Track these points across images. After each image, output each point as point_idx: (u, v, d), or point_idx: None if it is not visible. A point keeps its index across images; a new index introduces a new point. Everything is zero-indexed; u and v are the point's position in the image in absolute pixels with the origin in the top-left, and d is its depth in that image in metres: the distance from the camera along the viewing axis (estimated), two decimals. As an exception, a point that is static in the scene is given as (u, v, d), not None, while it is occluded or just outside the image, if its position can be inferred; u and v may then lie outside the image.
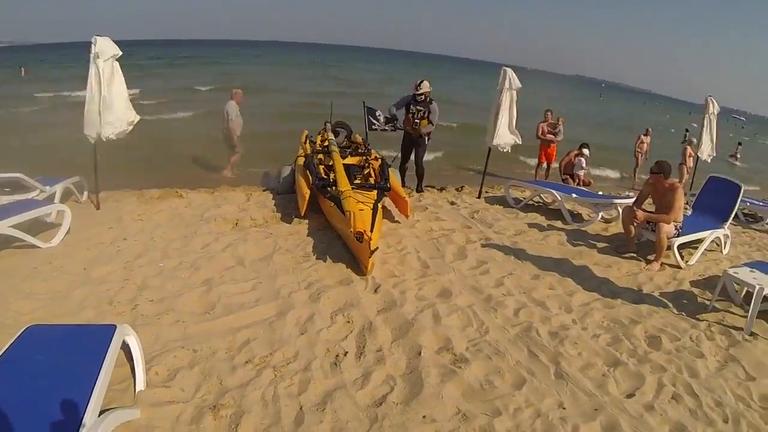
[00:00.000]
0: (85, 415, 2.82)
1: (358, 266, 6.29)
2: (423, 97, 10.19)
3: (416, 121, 10.19)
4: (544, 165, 14.27)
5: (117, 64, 7.76)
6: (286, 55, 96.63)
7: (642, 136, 17.37)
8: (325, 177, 8.35)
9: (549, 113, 14.37)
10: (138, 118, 8.21)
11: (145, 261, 6.15)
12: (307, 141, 11.02)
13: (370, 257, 6.05)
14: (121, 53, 7.72)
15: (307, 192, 7.96)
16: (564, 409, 3.95)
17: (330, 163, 9.06)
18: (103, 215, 7.88)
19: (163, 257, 6.30)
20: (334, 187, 7.73)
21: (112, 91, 7.72)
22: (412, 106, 10.27)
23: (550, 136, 13.87)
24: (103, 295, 5.26)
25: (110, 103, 7.70)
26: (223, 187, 10.05)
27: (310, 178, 8.29)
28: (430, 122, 10.25)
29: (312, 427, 3.55)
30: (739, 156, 24.99)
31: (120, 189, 9.34)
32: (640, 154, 17.28)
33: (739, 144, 24.20)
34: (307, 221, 7.89)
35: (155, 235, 7.04)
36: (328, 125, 11.51)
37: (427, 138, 10.48)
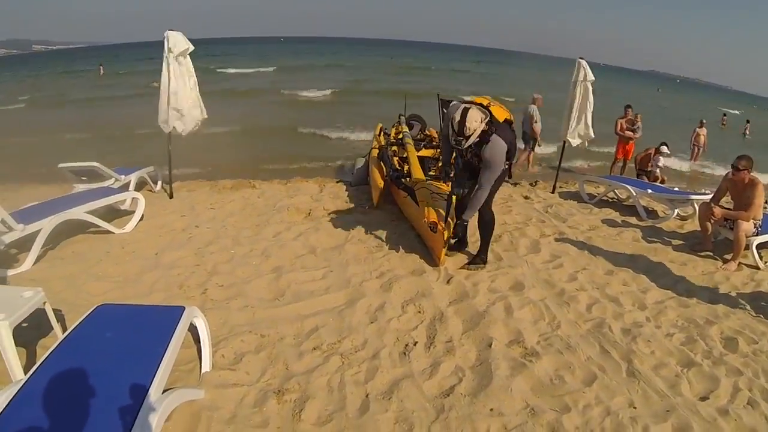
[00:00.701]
0: (148, 392, 2.87)
1: (431, 257, 6.22)
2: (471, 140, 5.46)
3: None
4: (620, 162, 13.84)
5: (188, 59, 7.86)
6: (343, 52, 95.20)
7: (697, 129, 17.14)
8: (399, 168, 8.36)
9: (629, 109, 13.93)
10: (205, 116, 8.37)
11: (216, 248, 6.24)
12: (382, 133, 11.07)
13: (443, 248, 5.97)
14: (193, 48, 7.81)
15: (381, 183, 8.09)
16: (635, 408, 3.84)
17: (404, 155, 9.03)
18: (176, 204, 8.05)
19: (234, 244, 6.37)
20: (408, 179, 7.86)
21: (184, 86, 7.88)
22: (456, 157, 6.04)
23: (629, 133, 13.45)
24: (173, 280, 5.36)
25: (181, 98, 7.87)
26: (297, 178, 10.14)
27: (385, 169, 8.32)
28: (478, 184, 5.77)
29: (377, 415, 3.52)
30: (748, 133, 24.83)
31: (194, 179, 9.51)
32: (696, 147, 17.11)
33: (747, 122, 24.26)
34: (380, 212, 7.87)
35: (227, 223, 7.15)
36: (403, 118, 11.47)
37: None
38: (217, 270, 5.62)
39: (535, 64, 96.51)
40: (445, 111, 9.70)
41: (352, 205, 8.27)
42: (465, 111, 5.30)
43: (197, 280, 5.38)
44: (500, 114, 5.66)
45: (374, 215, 7.74)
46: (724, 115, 34.06)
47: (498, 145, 5.49)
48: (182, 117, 7.93)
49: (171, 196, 8.35)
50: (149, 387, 2.89)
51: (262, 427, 3.34)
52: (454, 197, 6.24)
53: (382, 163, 8.69)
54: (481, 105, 5.55)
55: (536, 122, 12.79)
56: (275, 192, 8.90)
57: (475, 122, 5.33)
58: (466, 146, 5.43)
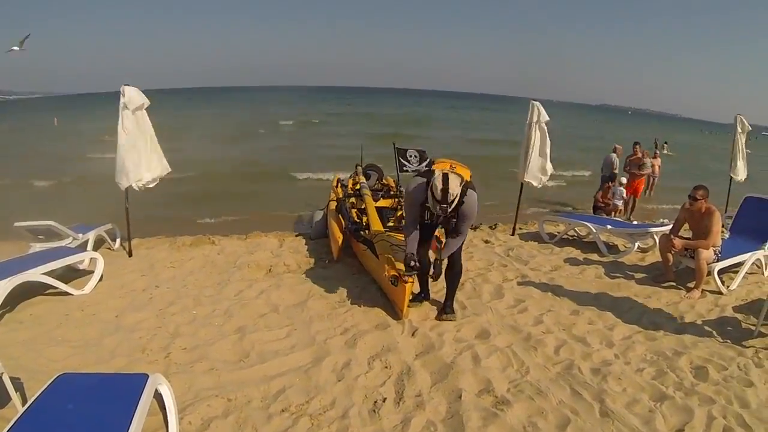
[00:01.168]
0: None
1: (394, 310, 6.20)
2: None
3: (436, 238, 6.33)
4: (629, 198, 14.30)
5: (145, 113, 7.88)
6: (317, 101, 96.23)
7: (651, 159, 17.11)
8: (358, 221, 8.51)
9: (637, 146, 14.46)
10: (168, 170, 8.33)
11: (177, 308, 6.15)
12: (339, 185, 11.06)
13: (406, 301, 5.94)
14: (149, 103, 7.82)
15: (340, 236, 8.05)
16: None
17: (362, 207, 9.04)
18: (136, 262, 7.93)
19: (196, 304, 6.29)
20: (366, 231, 7.85)
21: (141, 141, 7.84)
22: (427, 213, 5.77)
23: (648, 168, 14.23)
24: (135, 343, 5.25)
25: (138, 153, 7.81)
26: (256, 233, 10.03)
27: (343, 222, 8.31)
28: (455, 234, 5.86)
29: None
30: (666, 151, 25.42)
31: (153, 236, 9.49)
32: (652, 177, 17.32)
33: (665, 143, 25.06)
34: (341, 265, 7.86)
35: (188, 282, 7.06)
36: (359, 168, 11.51)
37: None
38: (179, 332, 5.53)
39: (499, 106, 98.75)
40: (401, 159, 9.70)
41: (313, 260, 8.22)
42: (446, 178, 5.27)
43: (160, 343, 5.28)
44: (465, 173, 5.60)
45: (335, 269, 7.72)
46: (658, 141, 35.17)
47: (474, 198, 5.61)
48: (140, 173, 7.84)
49: (130, 255, 8.23)
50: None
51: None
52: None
53: (340, 216, 8.69)
54: (451, 169, 5.53)
55: (616, 170, 14.37)
56: (235, 248, 8.84)
57: (457, 188, 5.32)
58: (450, 211, 5.42)
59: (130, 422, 3.11)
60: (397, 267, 6.17)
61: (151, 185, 8.13)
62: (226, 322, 5.81)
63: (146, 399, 3.42)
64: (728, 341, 5.71)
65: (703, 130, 77.80)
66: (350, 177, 11.57)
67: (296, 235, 9.93)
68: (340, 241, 7.95)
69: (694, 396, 4.54)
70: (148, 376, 3.66)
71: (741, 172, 12.90)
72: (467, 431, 3.92)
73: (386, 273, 6.25)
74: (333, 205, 9.51)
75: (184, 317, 5.91)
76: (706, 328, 6.07)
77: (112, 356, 4.98)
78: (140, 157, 7.81)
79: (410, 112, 66.84)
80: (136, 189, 7.98)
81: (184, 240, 9.25)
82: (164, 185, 8.58)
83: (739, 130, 12.57)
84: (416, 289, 6.31)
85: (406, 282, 5.88)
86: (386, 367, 4.90)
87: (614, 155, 14.66)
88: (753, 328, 5.97)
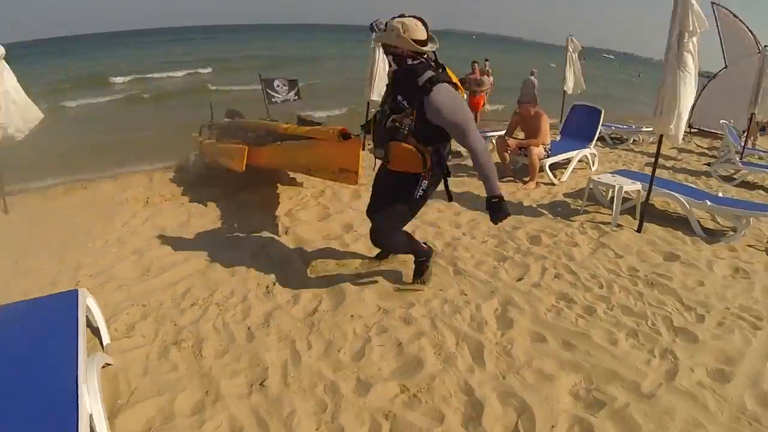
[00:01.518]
0: (78, 360, 3.09)
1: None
2: (403, 63, 4.19)
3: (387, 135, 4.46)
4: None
5: (4, 63, 7.49)
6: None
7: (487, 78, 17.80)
8: (257, 130, 7.87)
9: (475, 64, 15.88)
10: (42, 116, 8.01)
11: (72, 246, 6.37)
12: (201, 132, 10.07)
13: (360, 159, 5.63)
14: (4, 51, 7.41)
15: (243, 146, 6.98)
16: (466, 295, 4.85)
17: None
18: (14, 218, 7.77)
19: (89, 239, 6.56)
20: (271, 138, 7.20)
21: (4, 92, 7.55)
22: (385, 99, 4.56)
23: (474, 87, 15.16)
24: (43, 281, 5.43)
25: (4, 104, 7.54)
26: (125, 174, 10.20)
27: (235, 141, 7.80)
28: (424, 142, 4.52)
29: (263, 339, 4.25)
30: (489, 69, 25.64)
31: (21, 193, 9.16)
32: (487, 93, 18.03)
33: (487, 60, 26.26)
34: (214, 189, 8.27)
35: (74, 223, 7.25)
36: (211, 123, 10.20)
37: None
38: (81, 264, 5.80)
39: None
40: (269, 90, 9.24)
41: (185, 187, 8.62)
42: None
43: (66, 276, 5.53)
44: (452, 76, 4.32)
45: (207, 194, 8.10)
46: (486, 59, 35.04)
47: (447, 91, 4.07)
48: (8, 124, 7.55)
49: (6, 212, 7.93)
50: (77, 355, 3.11)
51: (173, 371, 3.88)
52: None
53: (226, 139, 8.38)
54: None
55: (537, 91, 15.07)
56: (108, 189, 8.98)
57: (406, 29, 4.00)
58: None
59: (77, 332, 3.39)
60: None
61: (20, 136, 7.81)
62: (121, 248, 6.21)
63: (83, 307, 3.76)
64: (558, 218, 6.93)
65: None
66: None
67: (164, 170, 10.06)
68: (243, 150, 6.80)
69: (530, 256, 5.68)
70: (78, 290, 3.98)
71: (571, 86, 14.51)
72: (347, 295, 4.83)
73: (332, 131, 5.66)
74: (208, 140, 9.05)
75: (81, 251, 6.18)
76: (540, 209, 7.23)
77: (25, 296, 4.86)
78: (7, 109, 7.53)
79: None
80: (16, 138, 7.72)
81: (56, 190, 9.24)
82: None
83: (570, 49, 14.23)
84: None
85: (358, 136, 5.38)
86: (271, 260, 5.69)
87: (533, 78, 16.24)
88: (579, 208, 7.21)
